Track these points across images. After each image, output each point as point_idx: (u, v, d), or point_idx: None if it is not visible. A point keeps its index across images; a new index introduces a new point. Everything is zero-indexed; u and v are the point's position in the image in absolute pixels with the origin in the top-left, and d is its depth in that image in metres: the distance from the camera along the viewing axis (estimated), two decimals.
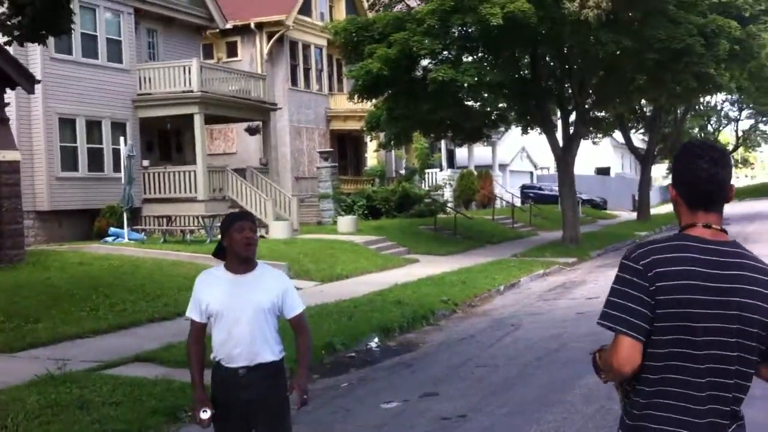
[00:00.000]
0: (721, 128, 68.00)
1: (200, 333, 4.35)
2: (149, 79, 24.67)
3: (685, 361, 2.57)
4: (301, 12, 31.32)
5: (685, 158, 2.72)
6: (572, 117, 27.32)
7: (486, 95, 24.36)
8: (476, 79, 21.92)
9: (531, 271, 19.14)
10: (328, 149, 31.00)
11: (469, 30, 22.56)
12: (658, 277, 2.56)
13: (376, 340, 11.32)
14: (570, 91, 26.99)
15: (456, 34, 23.90)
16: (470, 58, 24.75)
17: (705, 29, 22.88)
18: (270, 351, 4.24)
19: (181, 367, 8.89)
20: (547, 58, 26.49)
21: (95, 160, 23.19)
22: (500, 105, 26.17)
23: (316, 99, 33.07)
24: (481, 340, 11.19)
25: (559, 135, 26.61)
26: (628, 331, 2.57)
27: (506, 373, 8.92)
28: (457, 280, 17.07)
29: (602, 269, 20.12)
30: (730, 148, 72.04)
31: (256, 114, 27.60)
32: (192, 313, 4.33)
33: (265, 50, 30.52)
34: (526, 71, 26.23)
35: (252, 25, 30.22)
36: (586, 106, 27.40)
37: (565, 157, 26.29)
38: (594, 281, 17.59)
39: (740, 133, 68.76)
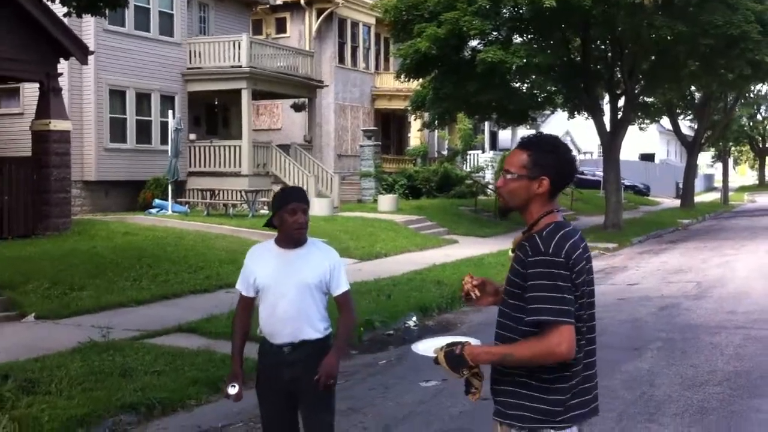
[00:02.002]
0: None
1: (247, 307, 4.35)
2: (199, 53, 24.91)
3: (590, 333, 2.94)
4: None
5: (565, 152, 2.97)
6: (621, 102, 26.97)
7: (534, 77, 24.18)
8: (525, 61, 21.75)
9: None
10: (372, 128, 31.03)
11: (521, 11, 22.34)
12: (574, 263, 2.82)
13: (414, 318, 11.38)
14: (620, 75, 26.65)
15: (507, 15, 23.71)
16: (520, 40, 24.56)
17: (763, 15, 22.47)
18: (314, 328, 4.20)
19: (222, 338, 9.06)
20: (599, 42, 26.18)
21: (143, 132, 23.54)
22: (548, 88, 25.92)
23: (362, 77, 33.08)
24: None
25: (606, 119, 26.32)
26: (569, 320, 2.77)
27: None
28: (496, 262, 17.00)
29: (644, 256, 19.97)
30: None
31: (303, 91, 27.70)
32: (240, 286, 4.33)
33: (314, 27, 30.56)
34: (576, 54, 25.93)
35: (302, 2, 30.25)
36: (636, 91, 27.04)
37: (611, 142, 26.02)
38: (636, 267, 17.48)
39: None
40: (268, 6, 29.88)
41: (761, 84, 45.30)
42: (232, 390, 4.20)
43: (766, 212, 35.90)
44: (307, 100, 28.32)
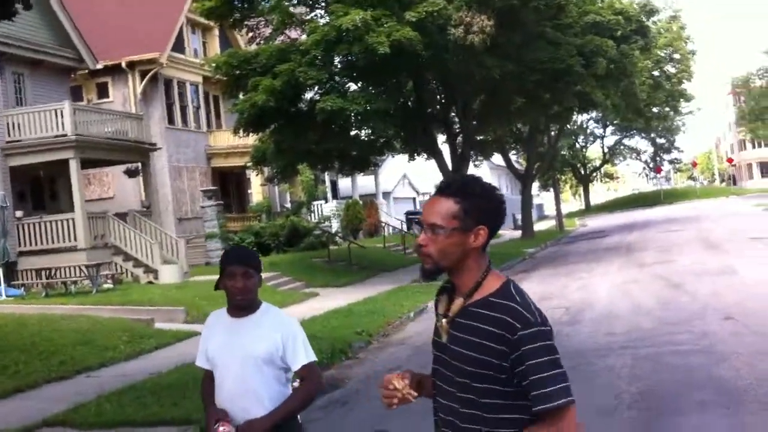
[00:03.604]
0: (588, 145, 70.74)
1: (209, 382, 3.82)
2: (18, 124, 23.24)
3: None
4: (174, 49, 30.42)
5: (497, 197, 2.53)
6: (458, 140, 27.54)
7: (374, 123, 24.23)
8: (365, 107, 21.73)
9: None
10: (212, 187, 30.11)
11: (355, 59, 22.34)
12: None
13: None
14: (454, 115, 27.24)
15: (341, 64, 23.70)
16: (355, 87, 24.59)
17: (584, 49, 23.63)
18: (263, 408, 3.63)
19: (96, 428, 8.14)
20: (433, 84, 26.66)
21: None
22: (388, 132, 26.09)
23: (195, 137, 32.16)
24: (411, 368, 10.76)
25: (447, 159, 26.73)
26: (573, 397, 2.40)
27: None
28: (364, 310, 16.67)
29: None
30: (597, 163, 75.16)
31: (135, 155, 26.45)
32: (199, 360, 3.85)
33: (139, 89, 29.42)
34: (411, 98, 26.25)
35: (123, 65, 29.08)
36: (471, 130, 27.69)
37: None
38: None
39: (606, 149, 71.71)
40: (87, 72, 28.49)
41: (583, 115, 48.07)
42: (225, 428, 3.56)
43: (600, 234, 37.56)
44: (140, 164, 27.07)
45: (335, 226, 35.33)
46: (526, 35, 23.16)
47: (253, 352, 3.63)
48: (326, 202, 38.65)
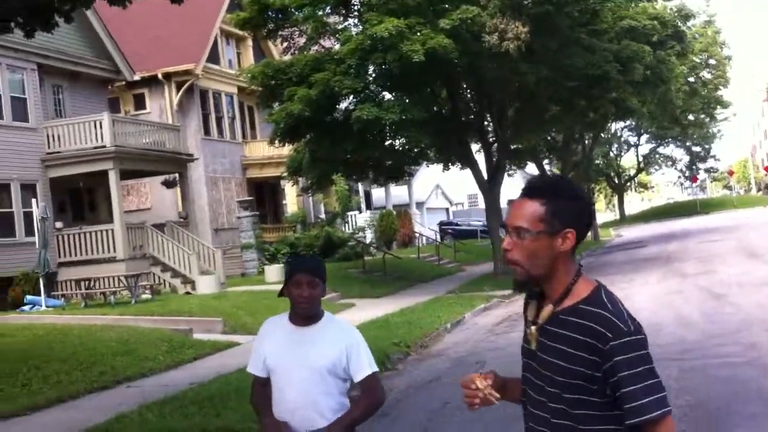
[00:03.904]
0: (622, 154, 70.10)
1: (262, 390, 3.78)
2: (58, 136, 23.58)
3: None
4: (209, 60, 30.67)
5: (585, 198, 2.48)
6: (494, 149, 27.40)
7: (408, 133, 24.18)
8: (401, 116, 21.70)
9: (473, 307, 18.81)
10: (248, 198, 30.24)
11: (389, 67, 22.33)
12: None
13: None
14: (490, 123, 27.11)
15: (375, 73, 23.70)
16: (390, 96, 24.59)
17: (620, 55, 23.38)
18: (325, 420, 3.61)
19: None
20: (467, 92, 26.58)
21: (5, 224, 21.93)
22: (423, 142, 26.03)
23: (231, 147, 32.35)
24: (451, 380, 10.69)
25: (482, 168, 26.60)
26: (670, 407, 2.29)
27: (496, 413, 8.44)
28: (401, 321, 16.57)
29: None
30: (632, 172, 74.43)
31: (172, 166, 26.67)
32: (251, 366, 3.80)
33: (175, 100, 29.70)
34: (446, 107, 26.18)
35: (160, 76, 29.39)
36: (506, 138, 27.55)
37: (491, 189, 26.31)
38: None
39: (640, 158, 71.03)
40: (124, 83, 28.84)
41: (618, 123, 47.68)
42: None
43: (637, 244, 37.16)
44: (177, 175, 27.27)
45: (369, 236, 35.31)
46: (561, 41, 23.01)
47: (317, 363, 3.59)
48: (360, 212, 38.67)
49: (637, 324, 2.32)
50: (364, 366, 3.67)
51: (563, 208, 2.37)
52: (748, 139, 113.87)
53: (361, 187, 40.41)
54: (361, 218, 37.13)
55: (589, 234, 39.48)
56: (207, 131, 31.00)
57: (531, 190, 2.44)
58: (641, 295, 17.89)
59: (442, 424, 8.34)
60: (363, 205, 40.63)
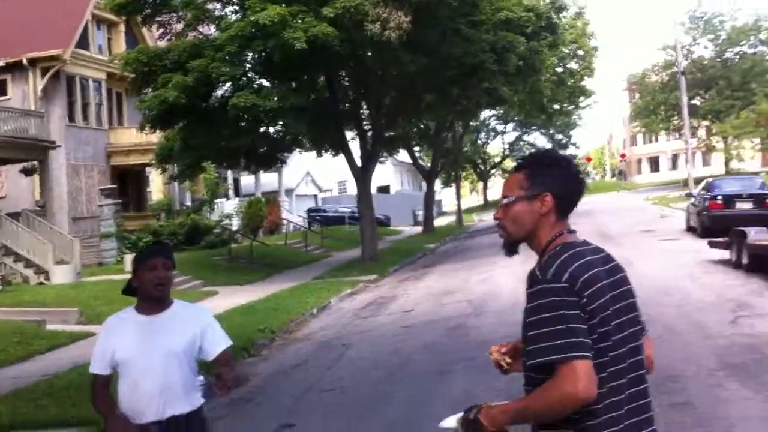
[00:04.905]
0: (489, 141, 71.91)
1: (104, 389, 3.75)
2: None
3: (617, 364, 2.41)
4: (78, 46, 29.29)
5: (568, 167, 2.61)
6: (368, 136, 27.50)
7: (286, 120, 23.90)
8: (279, 103, 21.45)
9: (339, 292, 18.85)
10: (110, 186, 29.14)
11: (270, 55, 21.95)
12: (583, 286, 2.38)
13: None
14: (367, 111, 27.18)
15: (255, 60, 23.32)
16: (269, 84, 24.24)
17: (496, 45, 23.91)
18: (186, 401, 3.66)
19: None
20: (346, 80, 26.52)
21: None
22: (301, 129, 25.83)
23: (96, 134, 31.01)
24: (317, 364, 10.69)
25: (356, 156, 26.65)
26: (583, 353, 2.29)
27: (360, 394, 8.49)
28: (267, 307, 16.46)
29: (407, 283, 20.25)
30: (498, 159, 76.52)
31: (32, 153, 25.38)
32: (95, 366, 3.72)
33: (40, 86, 28.19)
34: (325, 95, 25.97)
35: (24, 61, 27.86)
36: (382, 126, 27.67)
37: (363, 176, 26.42)
38: (404, 295, 17.60)
39: (506, 145, 73.07)
40: None
41: (486, 111, 48.75)
42: None
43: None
44: (37, 163, 25.96)
45: (236, 224, 34.82)
46: (441, 31, 23.25)
47: (176, 347, 3.65)
48: (228, 199, 38.06)
49: (559, 273, 2.38)
50: (221, 341, 3.78)
51: (539, 173, 2.55)
52: (607, 127, 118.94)
53: (230, 175, 39.75)
54: (229, 205, 36.55)
55: (453, 219, 40.13)
56: (72, 118, 29.61)
57: (517, 165, 2.66)
58: (504, 276, 18.35)
59: (306, 408, 8.31)
60: (231, 192, 40.02)
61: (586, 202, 43.90)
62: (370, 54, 22.95)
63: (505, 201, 2.59)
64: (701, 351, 8.77)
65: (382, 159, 39.39)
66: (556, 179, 2.55)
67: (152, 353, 3.60)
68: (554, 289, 2.36)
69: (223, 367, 3.74)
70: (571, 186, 2.59)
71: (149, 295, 3.68)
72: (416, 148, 46.98)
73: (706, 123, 63.32)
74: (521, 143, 73.20)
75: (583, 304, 2.35)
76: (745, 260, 14.67)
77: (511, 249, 2.66)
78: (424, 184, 46.09)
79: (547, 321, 2.32)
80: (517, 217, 2.57)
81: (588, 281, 2.38)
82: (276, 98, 21.61)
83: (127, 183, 33.32)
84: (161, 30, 25.57)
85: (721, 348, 8.75)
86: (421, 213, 44.45)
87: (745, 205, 21.89)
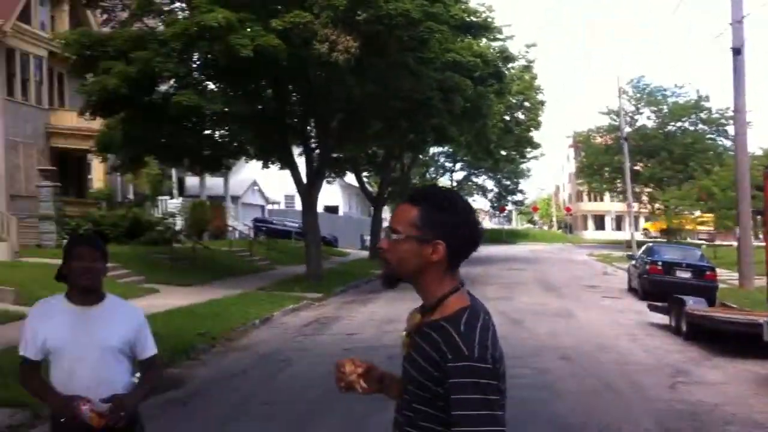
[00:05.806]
0: (438, 177, 72.38)
1: (35, 374, 3.66)
2: None
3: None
4: (20, 19, 28.65)
5: (466, 216, 2.38)
6: (314, 154, 27.40)
7: (230, 125, 23.70)
8: (223, 108, 21.26)
9: (282, 306, 18.64)
10: (50, 167, 28.50)
11: (216, 58, 21.73)
12: (498, 361, 2.29)
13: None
14: (314, 129, 27.13)
15: (200, 61, 23.10)
16: (214, 86, 24.02)
17: (444, 84, 24.16)
18: None
19: None
20: (293, 95, 26.39)
21: None
22: (244, 136, 25.56)
23: (36, 113, 30.30)
24: (255, 375, 10.54)
25: (302, 171, 26.49)
26: None
27: (297, 410, 8.40)
28: (208, 312, 16.23)
29: (352, 306, 20.15)
30: None
31: None
32: (26, 350, 3.62)
33: None
34: (271, 106, 25.81)
35: None
36: (329, 146, 27.60)
37: (309, 193, 26.27)
38: (348, 317, 17.49)
39: (455, 183, 73.62)
40: None
41: (436, 147, 49.06)
42: (87, 407, 3.45)
43: None
44: None
45: (180, 223, 34.32)
46: (390, 62, 23.27)
47: (109, 342, 3.62)
48: (172, 198, 37.51)
49: (483, 352, 2.24)
50: (151, 345, 3.81)
51: (435, 217, 2.33)
52: (554, 179, 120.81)
53: (174, 173, 39.23)
54: (173, 204, 35.98)
55: None
56: (11, 92, 28.93)
57: (413, 196, 2.42)
58: None
59: (242, 419, 8.17)
60: (176, 191, 39.45)
61: (530, 250, 44.80)
62: (317, 73, 22.88)
63: (394, 237, 2.36)
64: (641, 412, 8.86)
65: (329, 179, 39.33)
66: (452, 228, 2.35)
67: (87, 345, 3.57)
68: (481, 370, 2.22)
69: (148, 375, 3.79)
70: (466, 237, 2.38)
71: (76, 284, 3.63)
72: (365, 174, 47.00)
73: (648, 189, 64.63)
74: (470, 183, 73.96)
75: (498, 378, 2.27)
76: (684, 328, 14.92)
77: (390, 283, 2.45)
78: (372, 209, 46.12)
79: (477, 403, 2.20)
80: (404, 257, 2.36)
81: (500, 355, 2.32)
82: (221, 102, 21.43)
83: (67, 167, 32.57)
84: (105, 16, 25.26)
85: (661, 411, 8.85)
86: (368, 238, 44.41)
87: (684, 274, 22.34)
